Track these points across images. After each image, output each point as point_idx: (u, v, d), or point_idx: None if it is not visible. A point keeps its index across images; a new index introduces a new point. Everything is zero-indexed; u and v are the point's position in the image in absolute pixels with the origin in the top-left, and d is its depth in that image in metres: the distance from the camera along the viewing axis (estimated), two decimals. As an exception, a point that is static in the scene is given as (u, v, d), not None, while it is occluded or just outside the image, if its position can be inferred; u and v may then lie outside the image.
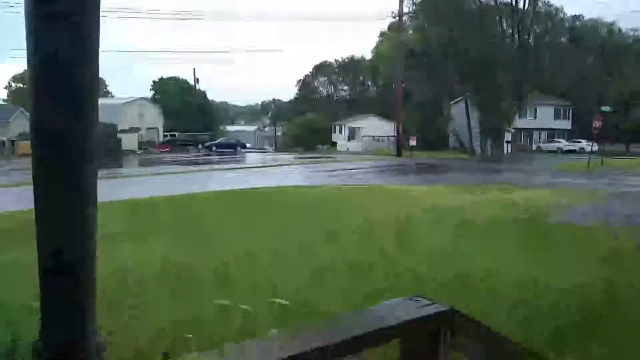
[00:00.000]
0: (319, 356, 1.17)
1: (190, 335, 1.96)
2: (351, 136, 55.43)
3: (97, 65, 1.09)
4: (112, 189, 13.03)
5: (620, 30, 58.16)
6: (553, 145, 49.98)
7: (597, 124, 26.72)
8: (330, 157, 36.75)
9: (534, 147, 52.51)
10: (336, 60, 76.91)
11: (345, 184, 16.56)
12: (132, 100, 56.30)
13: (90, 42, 1.06)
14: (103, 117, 40.18)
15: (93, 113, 1.10)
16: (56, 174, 1.06)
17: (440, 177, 20.43)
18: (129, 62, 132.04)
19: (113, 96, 66.18)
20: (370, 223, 8.50)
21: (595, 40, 55.13)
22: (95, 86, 1.09)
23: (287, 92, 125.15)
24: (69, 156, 1.05)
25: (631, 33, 57.66)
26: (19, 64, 79.77)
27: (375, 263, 5.80)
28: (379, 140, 52.40)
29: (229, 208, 10.57)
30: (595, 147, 28.77)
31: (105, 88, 71.17)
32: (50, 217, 1.08)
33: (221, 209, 10.34)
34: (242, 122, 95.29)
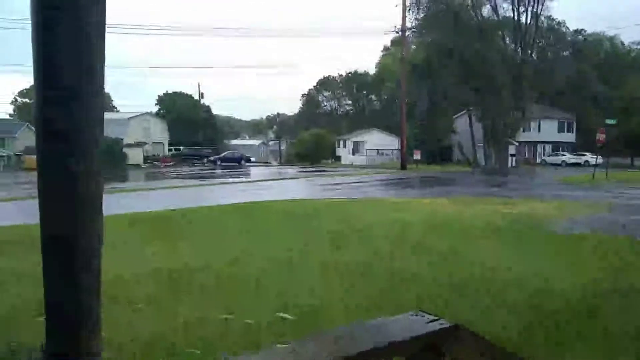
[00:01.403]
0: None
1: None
2: (355, 150, 55.56)
3: (103, 59, 1.09)
4: (115, 202, 13.06)
5: (622, 43, 58.39)
6: (557, 159, 49.91)
7: (601, 136, 26.67)
8: (334, 171, 36.76)
9: (538, 160, 52.43)
10: (340, 75, 77.48)
11: (351, 197, 16.52)
12: (138, 115, 56.73)
13: (96, 42, 1.07)
14: (109, 131, 40.64)
15: (99, 100, 1.10)
16: (61, 171, 1.04)
17: (445, 190, 20.38)
18: (134, 77, 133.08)
19: (118, 111, 66.65)
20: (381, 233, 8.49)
21: (598, 54, 55.30)
22: (101, 69, 1.09)
23: (292, 106, 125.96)
24: (74, 150, 1.04)
25: (634, 47, 57.83)
26: (25, 79, 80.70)
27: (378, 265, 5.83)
28: (383, 154, 52.52)
29: (235, 219, 10.56)
30: (600, 160, 28.66)
31: (111, 103, 71.72)
32: (55, 212, 1.06)
33: (225, 221, 10.34)
34: (247, 136, 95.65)
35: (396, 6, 41.82)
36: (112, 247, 7.09)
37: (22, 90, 72.74)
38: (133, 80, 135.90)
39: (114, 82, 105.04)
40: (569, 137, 54.93)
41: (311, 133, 55.90)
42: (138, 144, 49.50)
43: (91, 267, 1.09)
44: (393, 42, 58.40)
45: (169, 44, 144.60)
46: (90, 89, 1.06)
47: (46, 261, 1.07)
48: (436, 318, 1.44)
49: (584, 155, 47.05)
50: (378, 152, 52.73)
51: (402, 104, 41.23)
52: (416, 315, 1.46)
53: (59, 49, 1.01)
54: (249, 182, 27.24)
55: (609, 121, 29.11)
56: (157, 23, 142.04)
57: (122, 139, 44.78)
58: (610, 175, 25.87)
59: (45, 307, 1.09)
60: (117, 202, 13.09)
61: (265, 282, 5.47)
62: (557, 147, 53.52)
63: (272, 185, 24.68)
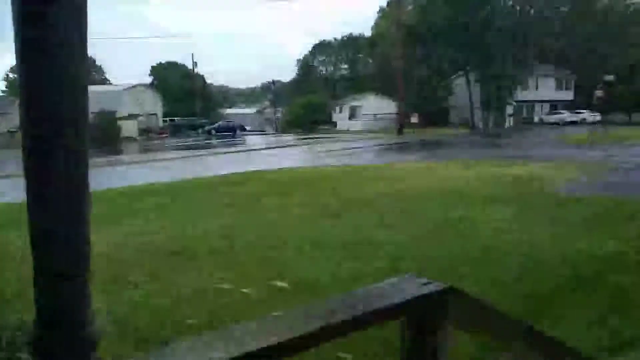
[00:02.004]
0: (323, 335, 1.16)
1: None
2: (352, 115, 55.11)
3: (86, 46, 1.05)
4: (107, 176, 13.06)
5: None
6: (555, 117, 49.56)
7: (599, 94, 26.54)
8: (331, 137, 36.65)
9: (536, 119, 52.11)
10: (335, 39, 76.41)
11: (350, 164, 16.52)
12: (131, 87, 56.01)
13: (79, 23, 1.01)
14: (102, 104, 40.34)
15: (84, 99, 1.07)
16: (48, 163, 1.02)
17: (445, 153, 20.39)
18: (127, 48, 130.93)
19: (111, 83, 65.82)
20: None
21: (597, 10, 54.33)
22: (84, 70, 1.03)
23: (287, 72, 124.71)
24: (61, 144, 1.01)
25: (634, 1, 56.62)
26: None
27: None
28: (379, 119, 52.09)
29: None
30: (598, 118, 28.59)
31: (104, 75, 70.82)
32: (42, 209, 1.04)
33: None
34: (242, 105, 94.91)
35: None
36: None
37: (14, 67, 71.72)
38: (126, 51, 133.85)
39: (106, 53, 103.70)
40: (567, 94, 54.41)
41: (307, 99, 55.28)
42: (131, 117, 49.03)
43: (80, 249, 1.08)
44: (389, 2, 57.18)
45: (161, 13, 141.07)
46: (83, 68, 1.02)
47: (35, 248, 1.04)
48: (431, 281, 1.44)
49: (581, 113, 46.70)
50: (375, 116, 52.21)
51: (398, 68, 40.62)
52: (411, 277, 1.47)
53: (61, 29, 0.97)
54: (242, 151, 27.20)
55: (607, 77, 28.91)
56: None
57: (115, 112, 44.35)
58: (610, 134, 25.80)
59: (35, 294, 1.05)
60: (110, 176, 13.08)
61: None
62: (554, 105, 53.03)
63: (270, 153, 24.64)
